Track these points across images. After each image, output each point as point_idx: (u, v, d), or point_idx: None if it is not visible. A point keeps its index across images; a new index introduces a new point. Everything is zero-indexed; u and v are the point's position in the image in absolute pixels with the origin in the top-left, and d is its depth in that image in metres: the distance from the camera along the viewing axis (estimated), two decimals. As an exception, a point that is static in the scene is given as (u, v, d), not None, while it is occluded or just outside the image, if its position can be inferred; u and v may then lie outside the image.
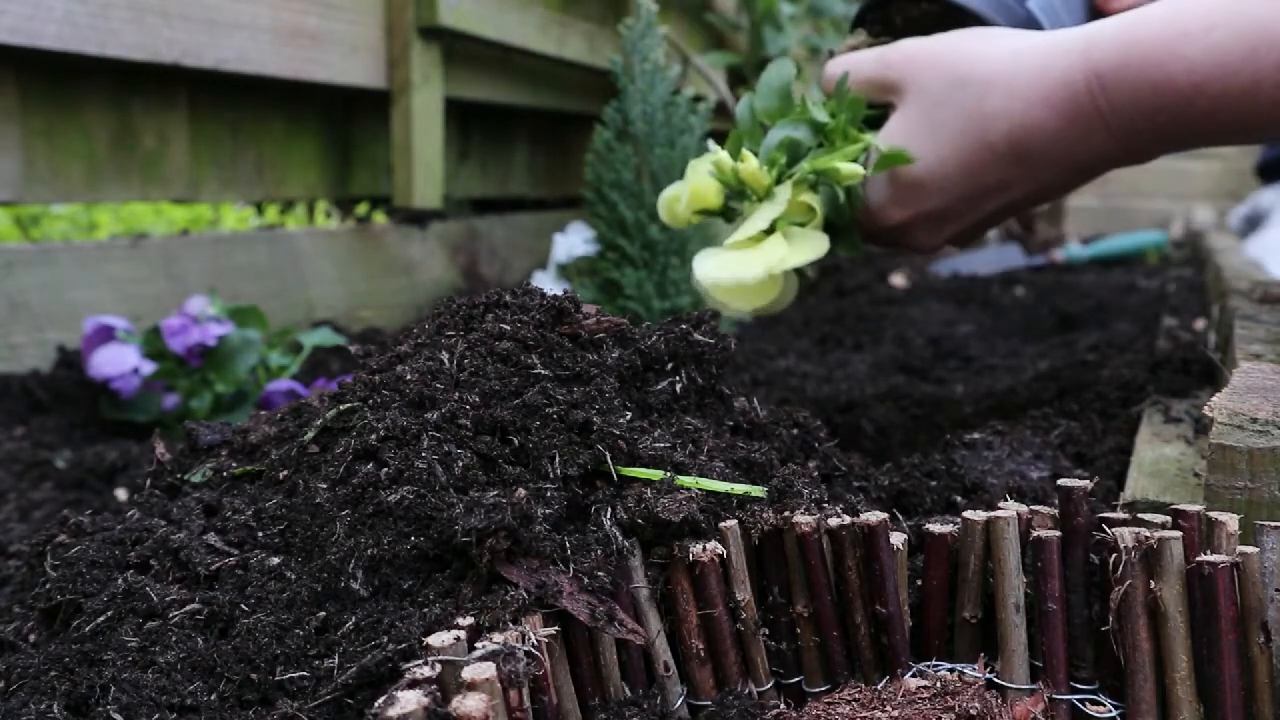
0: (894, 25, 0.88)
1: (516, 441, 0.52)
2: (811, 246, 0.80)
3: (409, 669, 0.38)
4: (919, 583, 0.53)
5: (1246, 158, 3.06)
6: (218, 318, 1.09)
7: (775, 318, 1.60)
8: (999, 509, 0.51)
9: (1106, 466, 0.79)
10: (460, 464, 0.50)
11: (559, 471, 0.51)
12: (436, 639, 0.40)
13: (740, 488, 0.54)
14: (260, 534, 0.53)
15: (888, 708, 0.48)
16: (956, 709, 0.47)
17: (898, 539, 0.51)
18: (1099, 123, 0.74)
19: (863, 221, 0.83)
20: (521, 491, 0.48)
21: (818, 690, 0.52)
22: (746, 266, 0.79)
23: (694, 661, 0.51)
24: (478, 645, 0.40)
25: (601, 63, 1.72)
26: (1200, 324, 1.24)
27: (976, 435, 0.75)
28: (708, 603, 0.50)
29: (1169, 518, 0.48)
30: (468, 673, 0.37)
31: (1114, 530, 0.47)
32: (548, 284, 1.51)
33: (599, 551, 0.49)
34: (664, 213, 0.88)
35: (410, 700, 0.35)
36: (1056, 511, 0.51)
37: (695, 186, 0.84)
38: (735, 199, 0.85)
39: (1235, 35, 0.69)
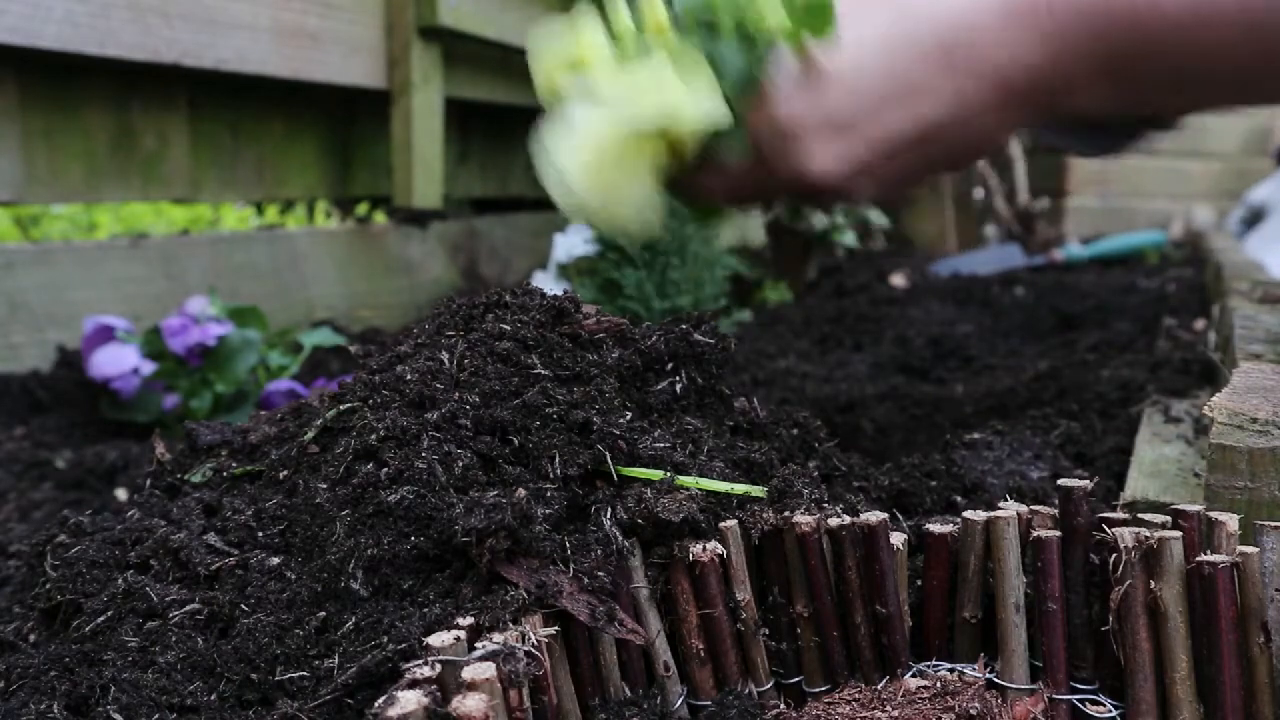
0: None
1: (516, 441, 0.52)
2: (707, 101, 0.63)
3: (409, 669, 0.38)
4: (919, 583, 0.53)
5: (1247, 158, 3.05)
6: (218, 318, 1.09)
7: (776, 317, 1.60)
8: (999, 509, 0.51)
9: (1106, 466, 0.79)
10: (460, 464, 0.50)
11: (559, 471, 0.51)
12: (436, 639, 0.40)
13: (740, 488, 0.54)
14: (260, 534, 0.53)
15: (888, 708, 0.48)
16: (956, 709, 0.47)
17: (898, 539, 0.51)
18: (1037, 34, 0.65)
19: (754, 117, 0.67)
20: (521, 491, 0.48)
21: (818, 690, 0.52)
22: (631, 104, 0.63)
23: (694, 661, 0.51)
24: (478, 645, 0.40)
25: (601, 63, 1.72)
26: (1200, 324, 1.24)
27: (976, 435, 0.75)
28: (708, 603, 0.50)
29: (1169, 518, 0.48)
30: (468, 673, 0.37)
31: (1114, 530, 0.47)
32: (548, 284, 1.51)
33: (599, 551, 0.49)
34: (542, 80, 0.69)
35: (410, 700, 0.35)
36: (1056, 511, 0.51)
37: (584, 43, 0.66)
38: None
39: None
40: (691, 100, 0.63)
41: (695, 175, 0.71)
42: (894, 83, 0.66)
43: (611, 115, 0.63)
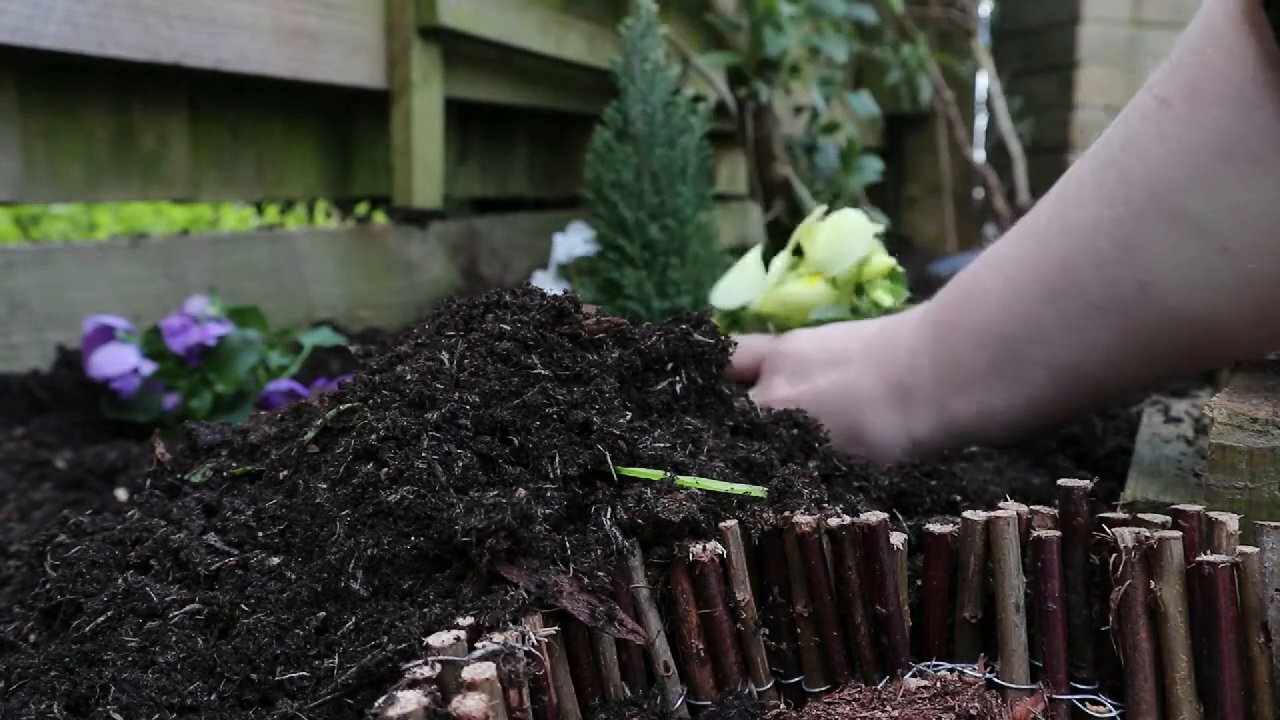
0: None
1: (516, 441, 0.52)
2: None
3: (409, 669, 0.38)
4: (919, 583, 0.53)
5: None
6: (218, 318, 1.09)
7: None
8: (999, 509, 0.51)
9: (1107, 466, 0.79)
10: (460, 464, 0.50)
11: (559, 471, 0.51)
12: (436, 639, 0.40)
13: (740, 488, 0.54)
14: (260, 534, 0.53)
15: (888, 708, 0.48)
16: (956, 709, 0.47)
17: (898, 539, 0.51)
18: (910, 333, 0.79)
19: (772, 344, 0.90)
20: (521, 491, 0.48)
21: (818, 690, 0.52)
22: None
23: (694, 661, 0.51)
24: (478, 645, 0.40)
25: (601, 63, 1.72)
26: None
27: (975, 448, 0.75)
28: (708, 603, 0.50)
29: (1169, 518, 0.48)
30: (468, 673, 0.37)
31: (1114, 530, 0.47)
32: (548, 284, 1.51)
33: (599, 551, 0.49)
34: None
35: (410, 700, 0.35)
36: (1056, 511, 0.51)
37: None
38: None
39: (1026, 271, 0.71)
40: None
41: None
42: (834, 355, 0.82)
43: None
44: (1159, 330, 0.66)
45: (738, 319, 1.05)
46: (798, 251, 1.03)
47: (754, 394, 0.85)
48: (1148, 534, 0.47)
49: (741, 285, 1.04)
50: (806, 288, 0.98)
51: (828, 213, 1.02)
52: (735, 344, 0.65)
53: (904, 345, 0.78)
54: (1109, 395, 0.73)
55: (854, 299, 0.97)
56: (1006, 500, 0.52)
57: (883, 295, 0.95)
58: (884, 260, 0.97)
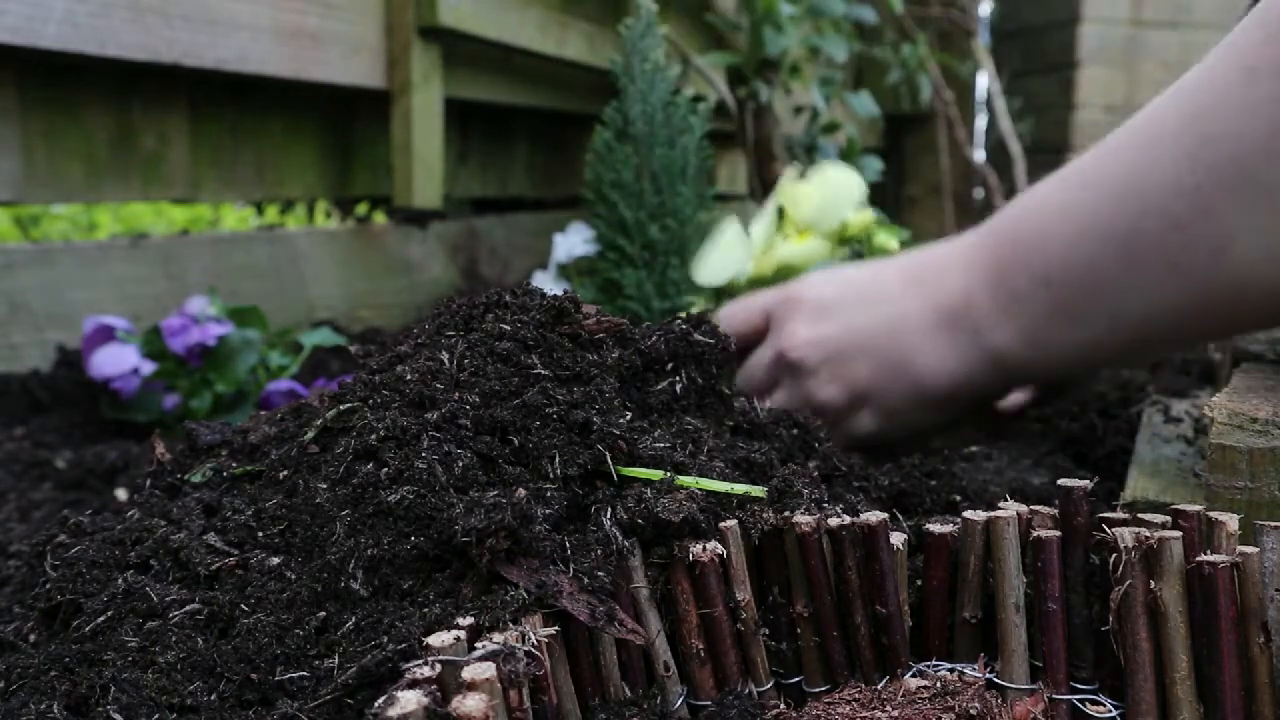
0: None
1: (516, 441, 0.52)
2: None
3: (409, 669, 0.38)
4: (919, 583, 0.53)
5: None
6: (218, 318, 1.09)
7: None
8: (999, 509, 0.51)
9: (1107, 466, 0.79)
10: (460, 464, 0.50)
11: (559, 471, 0.51)
12: (436, 639, 0.40)
13: (740, 488, 0.54)
14: (260, 534, 0.53)
15: (888, 708, 0.48)
16: (956, 709, 0.47)
17: (898, 539, 0.51)
18: (963, 265, 0.76)
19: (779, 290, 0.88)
20: (521, 491, 0.48)
21: (818, 690, 0.52)
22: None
23: (694, 661, 0.50)
24: (478, 645, 0.40)
25: (601, 63, 1.72)
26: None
27: (975, 448, 0.75)
28: (708, 603, 0.50)
29: (1169, 518, 0.48)
30: (468, 673, 0.37)
31: (1114, 530, 0.47)
32: (548, 284, 1.51)
33: (599, 551, 0.49)
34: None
35: (410, 700, 0.35)
36: (1056, 511, 0.51)
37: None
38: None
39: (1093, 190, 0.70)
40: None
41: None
42: (865, 291, 0.80)
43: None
44: (1229, 294, 0.66)
45: (730, 291, 1.05)
46: (780, 216, 1.04)
47: (768, 344, 0.83)
48: (1148, 534, 0.47)
49: (730, 258, 1.04)
50: (800, 246, 0.98)
51: (803, 174, 1.03)
52: (732, 338, 0.65)
53: (956, 276, 0.77)
54: (1169, 346, 0.73)
55: (839, 250, 0.98)
56: (1006, 500, 0.52)
57: (886, 239, 0.96)
58: (865, 213, 0.98)
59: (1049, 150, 3.23)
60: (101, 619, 0.50)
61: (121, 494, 0.87)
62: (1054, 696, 0.49)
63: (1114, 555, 0.47)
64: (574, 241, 1.56)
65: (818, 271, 0.88)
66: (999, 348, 0.74)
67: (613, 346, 0.59)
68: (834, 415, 0.80)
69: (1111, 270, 0.69)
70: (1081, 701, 0.49)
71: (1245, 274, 0.64)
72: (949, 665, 0.52)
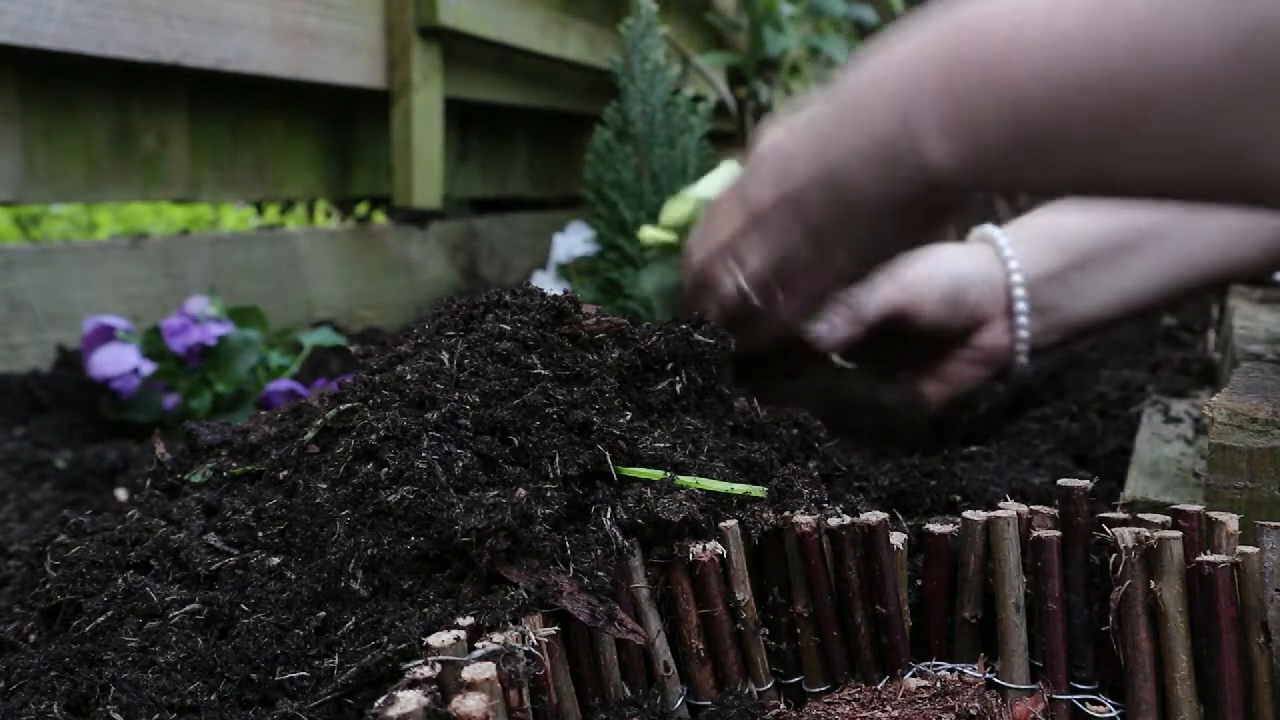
0: None
1: (516, 441, 0.52)
2: None
3: (409, 669, 0.38)
4: (919, 583, 0.53)
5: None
6: (218, 318, 1.09)
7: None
8: (999, 509, 0.51)
9: (1107, 467, 0.79)
10: (460, 464, 0.50)
11: (559, 471, 0.51)
12: (436, 639, 0.40)
13: (740, 488, 0.54)
14: (260, 534, 0.53)
15: (888, 708, 0.48)
16: (956, 709, 0.47)
17: (898, 539, 0.51)
18: (904, 81, 0.65)
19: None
20: (521, 491, 0.48)
21: (818, 690, 0.52)
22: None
23: (694, 661, 0.51)
24: (478, 645, 0.40)
25: (601, 63, 1.72)
26: (1200, 324, 1.24)
27: (975, 448, 0.75)
28: (708, 603, 0.50)
29: (1169, 518, 0.48)
30: (468, 673, 0.37)
31: (1114, 530, 0.47)
32: (548, 284, 1.51)
33: (599, 551, 0.49)
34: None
35: (410, 700, 0.35)
36: (1056, 511, 0.51)
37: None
38: None
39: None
40: None
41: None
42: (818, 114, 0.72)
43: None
44: (1241, 187, 0.55)
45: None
46: None
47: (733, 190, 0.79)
48: (1148, 534, 0.47)
49: (724, 177, 1.06)
50: None
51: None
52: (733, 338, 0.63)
53: (898, 102, 0.67)
54: (1131, 199, 0.66)
55: None
56: (1006, 500, 0.52)
57: None
58: None
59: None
60: (101, 619, 0.50)
61: (121, 494, 0.87)
62: (1054, 696, 0.49)
63: (1114, 555, 0.47)
64: (574, 241, 1.56)
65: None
66: (933, 164, 0.65)
67: (613, 346, 0.59)
68: (762, 219, 0.75)
69: (1103, 127, 0.59)
70: (1081, 701, 0.49)
71: (1268, 177, 0.57)
72: (949, 665, 0.52)
